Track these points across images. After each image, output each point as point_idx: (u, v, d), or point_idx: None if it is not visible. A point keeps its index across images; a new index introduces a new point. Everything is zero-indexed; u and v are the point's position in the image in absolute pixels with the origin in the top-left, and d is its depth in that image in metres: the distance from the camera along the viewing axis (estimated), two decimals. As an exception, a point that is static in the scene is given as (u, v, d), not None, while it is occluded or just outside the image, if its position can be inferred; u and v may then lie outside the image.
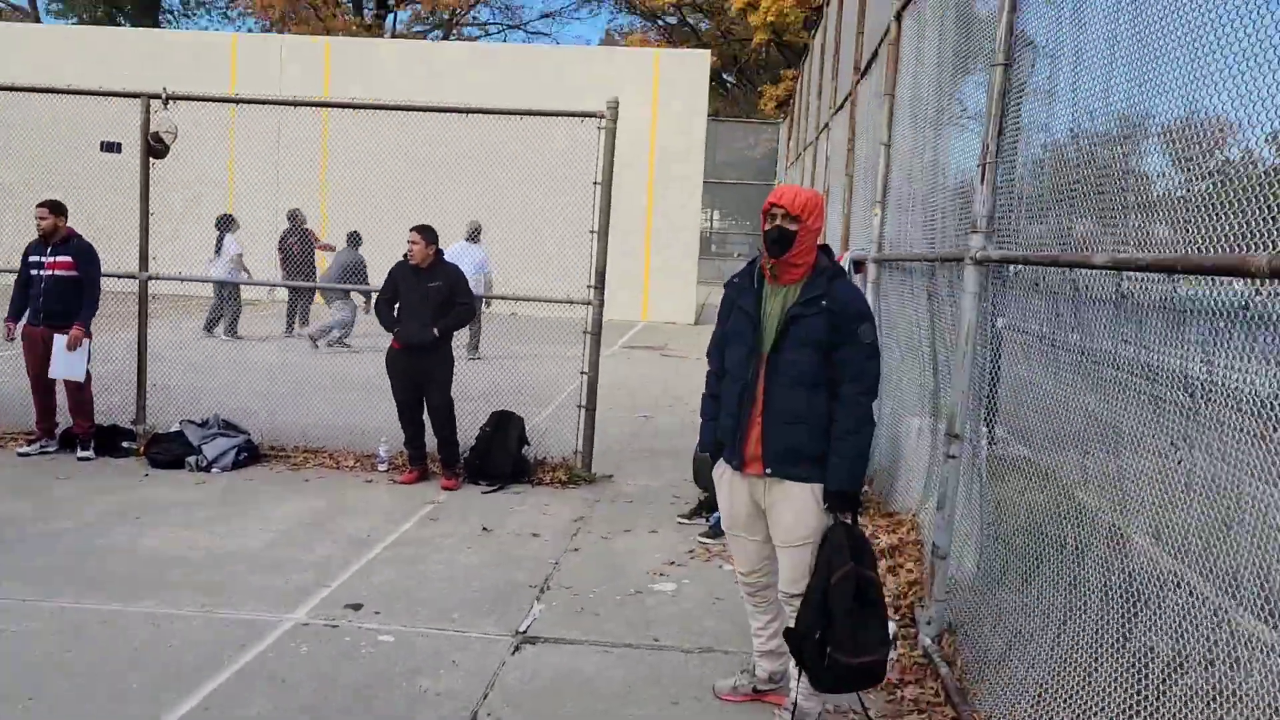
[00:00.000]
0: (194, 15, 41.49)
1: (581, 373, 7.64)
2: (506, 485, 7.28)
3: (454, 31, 38.87)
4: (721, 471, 3.91)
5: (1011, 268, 4.26)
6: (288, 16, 34.08)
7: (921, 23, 6.70)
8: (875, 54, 8.49)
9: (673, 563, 5.78)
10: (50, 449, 7.61)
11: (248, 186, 17.83)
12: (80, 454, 7.42)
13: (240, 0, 37.46)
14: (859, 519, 3.73)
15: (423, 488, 7.15)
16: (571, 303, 7.57)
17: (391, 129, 9.08)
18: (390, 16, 37.90)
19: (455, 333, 7.26)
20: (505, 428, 7.53)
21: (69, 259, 7.31)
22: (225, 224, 14.09)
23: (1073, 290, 3.57)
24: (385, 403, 7.30)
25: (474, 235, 13.19)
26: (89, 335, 7.40)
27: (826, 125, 13.95)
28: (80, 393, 7.39)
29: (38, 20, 37.59)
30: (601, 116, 7.36)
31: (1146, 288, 2.94)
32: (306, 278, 13.72)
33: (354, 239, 13.68)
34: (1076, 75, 3.71)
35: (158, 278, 7.87)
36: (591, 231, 7.44)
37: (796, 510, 3.68)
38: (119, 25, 36.34)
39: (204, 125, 8.98)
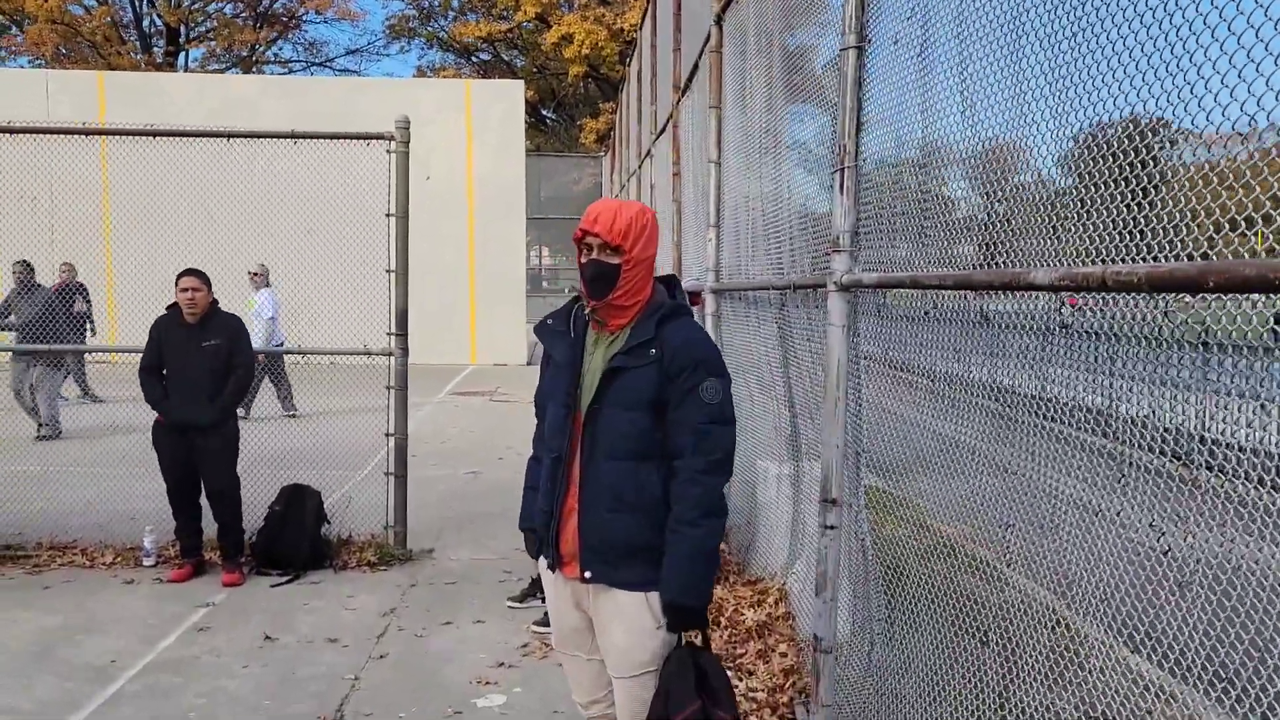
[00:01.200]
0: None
1: (387, 434, 6.58)
2: (302, 574, 6.12)
3: (254, 70, 36.76)
4: (544, 567, 3.01)
5: (873, 291, 3.54)
6: (60, 54, 31.32)
7: (744, 22, 6.05)
8: (696, 66, 7.84)
9: (503, 663, 4.80)
10: None
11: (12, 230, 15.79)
12: None
13: (6, 39, 34.24)
14: (708, 638, 2.87)
15: (198, 585, 5.91)
16: (370, 354, 6.51)
17: (161, 161, 7.83)
18: (182, 55, 35.49)
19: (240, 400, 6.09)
20: (299, 504, 6.38)
21: None
22: None
23: (924, 311, 3.07)
24: (152, 480, 6.03)
25: (260, 279, 11.91)
26: None
27: (649, 152, 13.35)
28: None
29: None
30: (390, 139, 6.38)
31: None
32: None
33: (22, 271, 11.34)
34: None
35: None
36: (389, 270, 6.42)
37: (628, 627, 2.80)
38: None
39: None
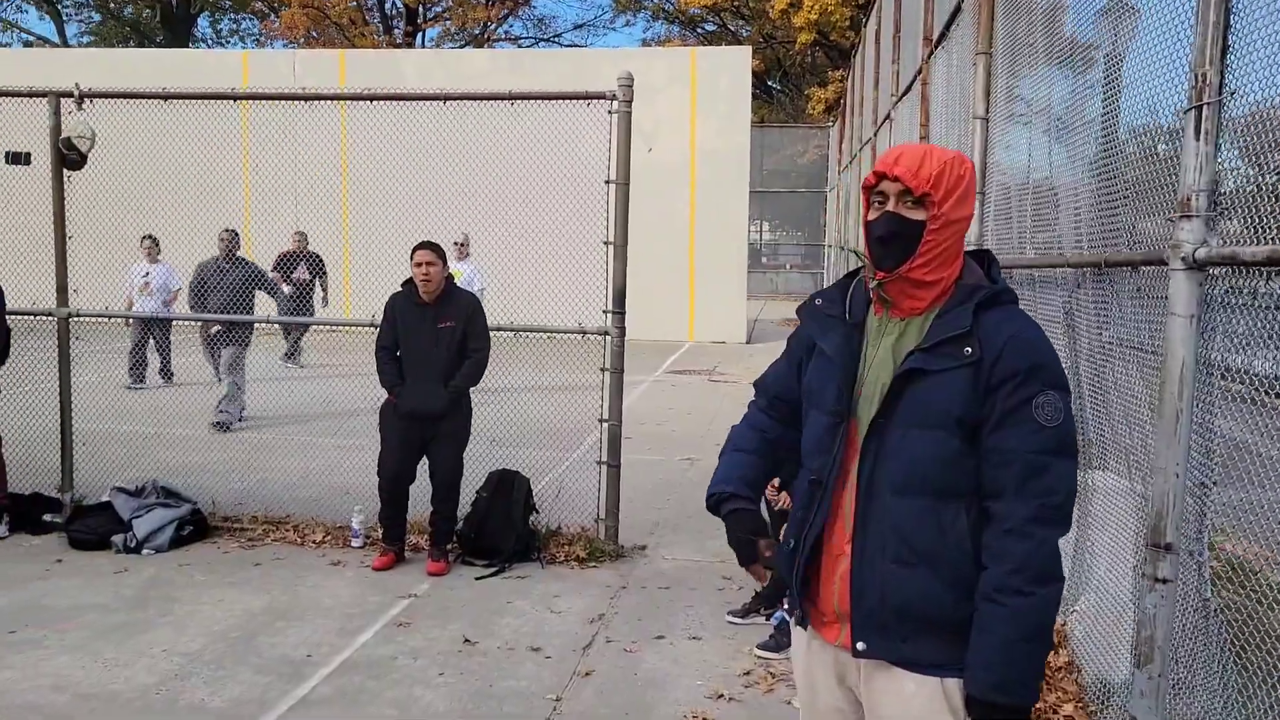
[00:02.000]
0: (226, 43, 40.84)
1: (601, 420, 6.07)
2: (508, 566, 5.72)
3: (486, 46, 37.73)
4: (791, 620, 2.33)
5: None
6: (310, 36, 33.12)
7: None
8: (958, 9, 6.85)
9: (721, 695, 4.17)
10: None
11: (263, 195, 16.61)
12: None
13: (266, 24, 36.63)
14: None
15: (402, 573, 5.62)
16: (584, 333, 6.01)
17: (390, 128, 7.70)
18: (419, 35, 36.84)
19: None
20: (507, 492, 5.99)
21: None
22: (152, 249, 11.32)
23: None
24: (363, 453, 5.78)
25: (464, 250, 11.45)
26: None
27: (888, 116, 12.30)
28: None
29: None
30: (612, 98, 5.81)
31: None
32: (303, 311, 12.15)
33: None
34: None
35: (81, 315, 6.45)
36: (606, 243, 5.88)
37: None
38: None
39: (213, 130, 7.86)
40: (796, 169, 35.42)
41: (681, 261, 18.35)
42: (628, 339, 6.09)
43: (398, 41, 35.28)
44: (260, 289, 9.59)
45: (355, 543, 6.04)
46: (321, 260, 12.72)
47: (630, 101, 5.84)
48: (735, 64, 18.85)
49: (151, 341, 11.33)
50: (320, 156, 14.52)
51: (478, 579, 5.54)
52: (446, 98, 6.04)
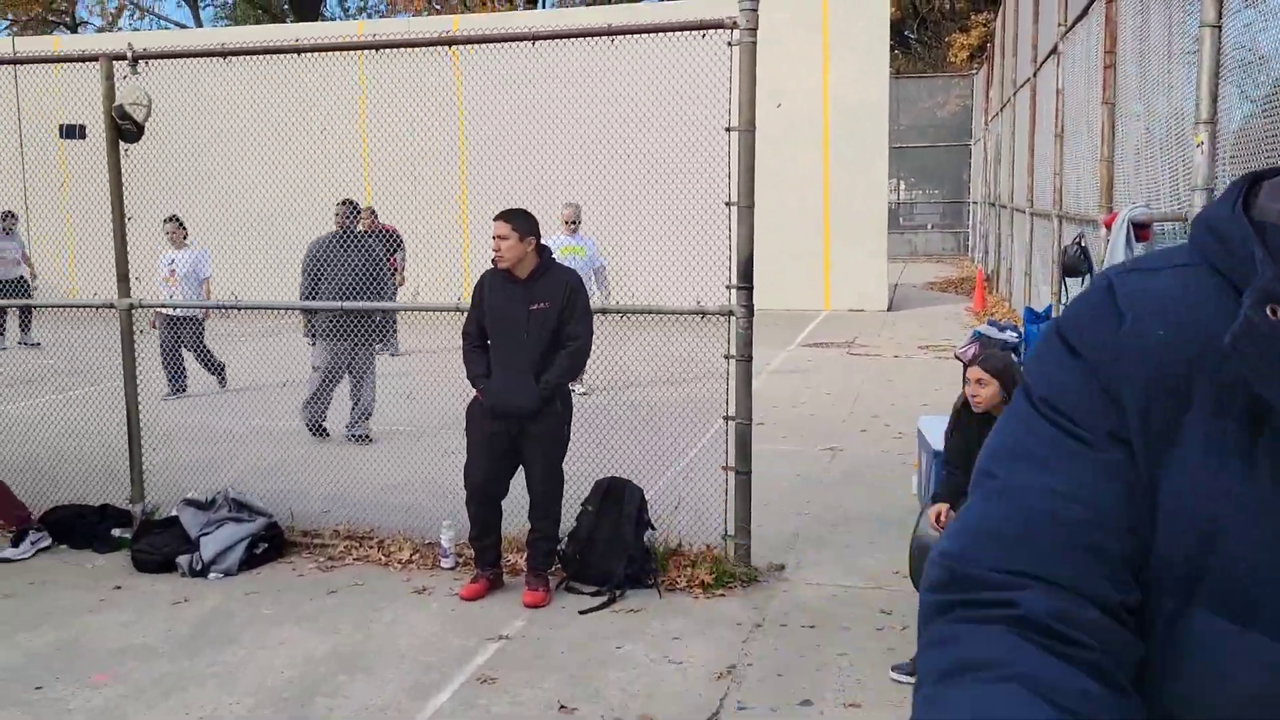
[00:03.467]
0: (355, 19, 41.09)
1: (726, 418, 5.05)
2: (619, 594, 4.80)
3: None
4: None
5: None
6: (434, 9, 32.82)
7: None
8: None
9: (889, 802, 3.15)
10: (45, 543, 5.65)
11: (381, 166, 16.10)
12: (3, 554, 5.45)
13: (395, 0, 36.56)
14: None
15: (495, 604, 4.76)
16: (704, 314, 4.99)
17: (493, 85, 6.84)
18: (540, 0, 36.14)
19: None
20: (617, 504, 5.05)
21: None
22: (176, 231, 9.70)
23: None
24: (462, 458, 4.92)
25: (574, 223, 9.32)
26: None
27: (1055, 49, 10.76)
28: None
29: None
30: (734, 26, 4.74)
31: None
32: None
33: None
34: None
35: (145, 305, 5.81)
36: (729, 203, 4.84)
37: None
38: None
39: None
40: (936, 122, 33.27)
41: (815, 224, 17.05)
42: (757, 310, 5.06)
43: (518, 7, 34.70)
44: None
45: (445, 563, 5.23)
46: (399, 237, 11.45)
47: (755, 29, 4.77)
48: (872, 5, 17.32)
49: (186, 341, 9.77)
50: (430, 119, 13.83)
51: (582, 613, 4.63)
52: (535, 37, 5.09)
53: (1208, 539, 0.87)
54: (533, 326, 4.66)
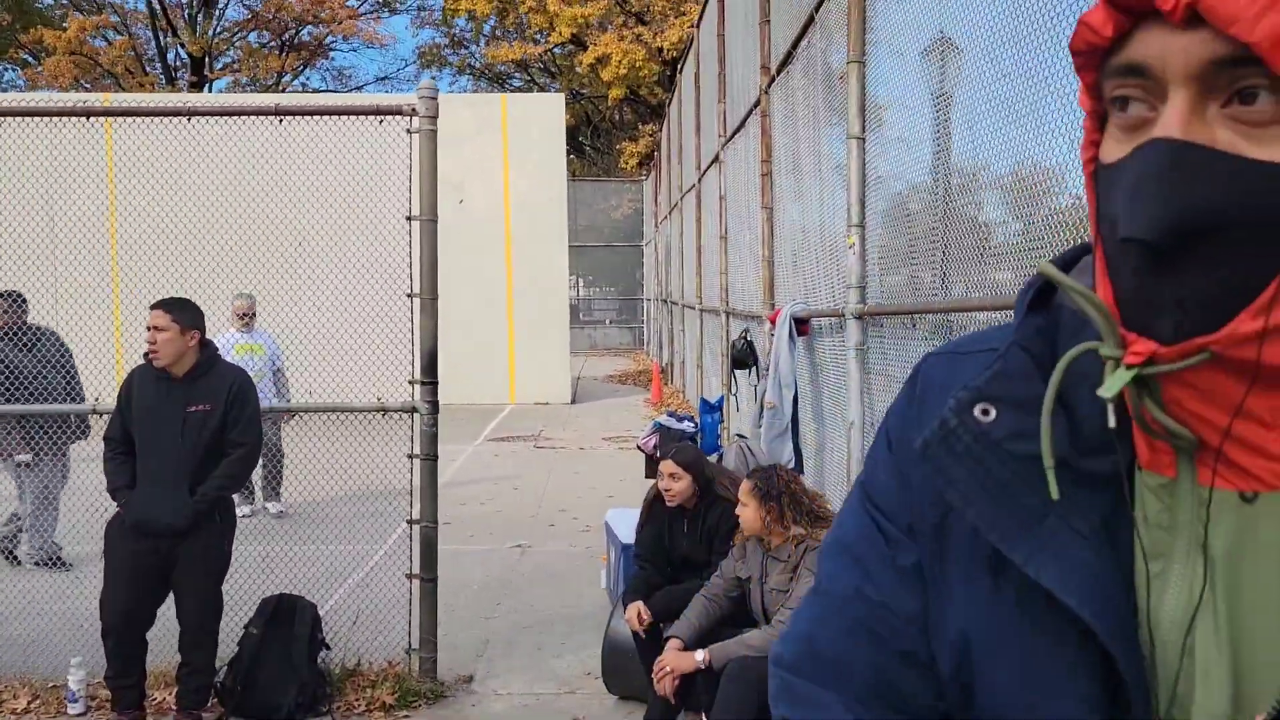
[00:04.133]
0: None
1: (410, 521, 4.73)
2: (290, 727, 4.28)
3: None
4: None
5: None
6: (80, 85, 30.17)
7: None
8: (810, 21, 6.00)
9: None
10: None
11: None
12: None
13: (29, 71, 33.19)
14: None
15: (136, 752, 4.07)
16: (386, 410, 4.69)
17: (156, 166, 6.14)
18: (207, 86, 34.30)
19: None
20: (287, 625, 4.54)
21: None
22: None
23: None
24: (96, 582, 4.21)
25: (249, 317, 8.21)
26: None
27: (716, 157, 11.56)
28: None
29: None
30: (412, 113, 4.59)
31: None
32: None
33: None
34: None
35: None
36: (411, 295, 4.62)
37: None
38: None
39: None
40: (611, 223, 34.89)
41: (500, 318, 17.09)
42: (444, 402, 4.83)
43: (181, 89, 32.72)
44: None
45: (73, 709, 4.43)
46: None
47: (435, 117, 4.63)
48: (548, 111, 17.92)
49: None
50: (77, 199, 12.51)
51: (244, 753, 4.07)
52: (193, 113, 4.66)
53: (963, 655, 0.76)
54: (189, 431, 4.14)
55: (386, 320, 5.00)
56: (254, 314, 8.22)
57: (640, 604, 4.09)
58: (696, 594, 3.89)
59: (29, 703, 4.49)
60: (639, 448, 9.34)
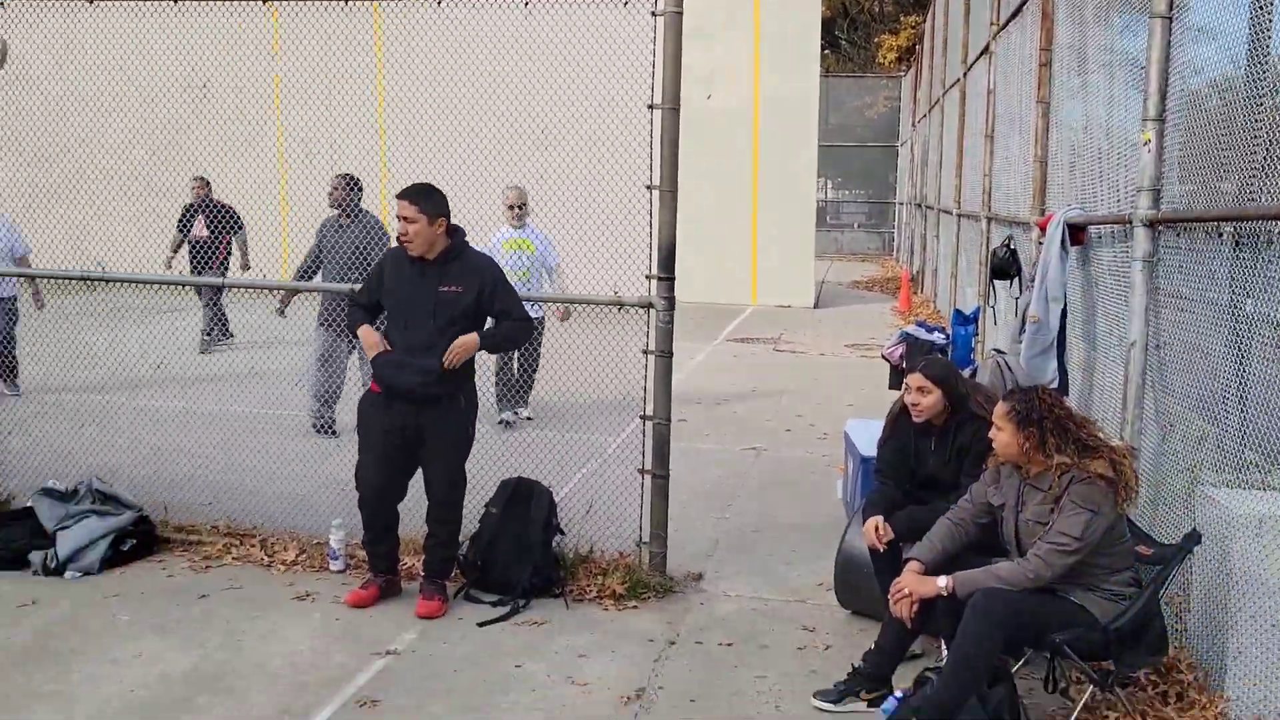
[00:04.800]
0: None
1: (643, 417, 4.70)
2: (523, 604, 4.40)
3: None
4: None
5: None
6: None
7: None
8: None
9: None
10: None
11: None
12: None
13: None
14: None
15: (383, 614, 4.32)
16: (622, 305, 4.62)
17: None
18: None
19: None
20: (524, 507, 4.66)
21: None
22: None
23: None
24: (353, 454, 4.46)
25: (520, 209, 7.53)
26: None
27: (986, 49, 10.62)
28: None
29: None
30: (661, -6, 4.37)
31: None
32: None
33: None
34: None
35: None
36: (650, 187, 4.48)
37: None
38: None
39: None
40: (864, 123, 33.42)
41: (744, 219, 16.81)
42: (682, 300, 4.71)
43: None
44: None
45: (334, 565, 4.77)
46: (233, 214, 10.46)
47: (681, 7, 4.38)
48: (803, 2, 17.12)
49: None
50: (348, 84, 13.13)
51: (481, 625, 4.22)
52: (447, -3, 4.65)
53: None
54: (440, 311, 4.23)
55: (626, 212, 4.89)
56: (525, 205, 7.51)
57: (880, 520, 3.87)
58: (941, 516, 3.62)
59: (296, 555, 4.86)
60: (884, 357, 8.94)
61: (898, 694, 3.46)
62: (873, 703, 3.55)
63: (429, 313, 4.22)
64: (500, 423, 7.37)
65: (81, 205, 9.03)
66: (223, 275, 10.03)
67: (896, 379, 9.21)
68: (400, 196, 4.22)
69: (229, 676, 3.70)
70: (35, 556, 4.65)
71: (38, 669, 3.71)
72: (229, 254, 10.43)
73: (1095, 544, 3.25)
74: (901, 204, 27.55)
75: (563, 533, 4.73)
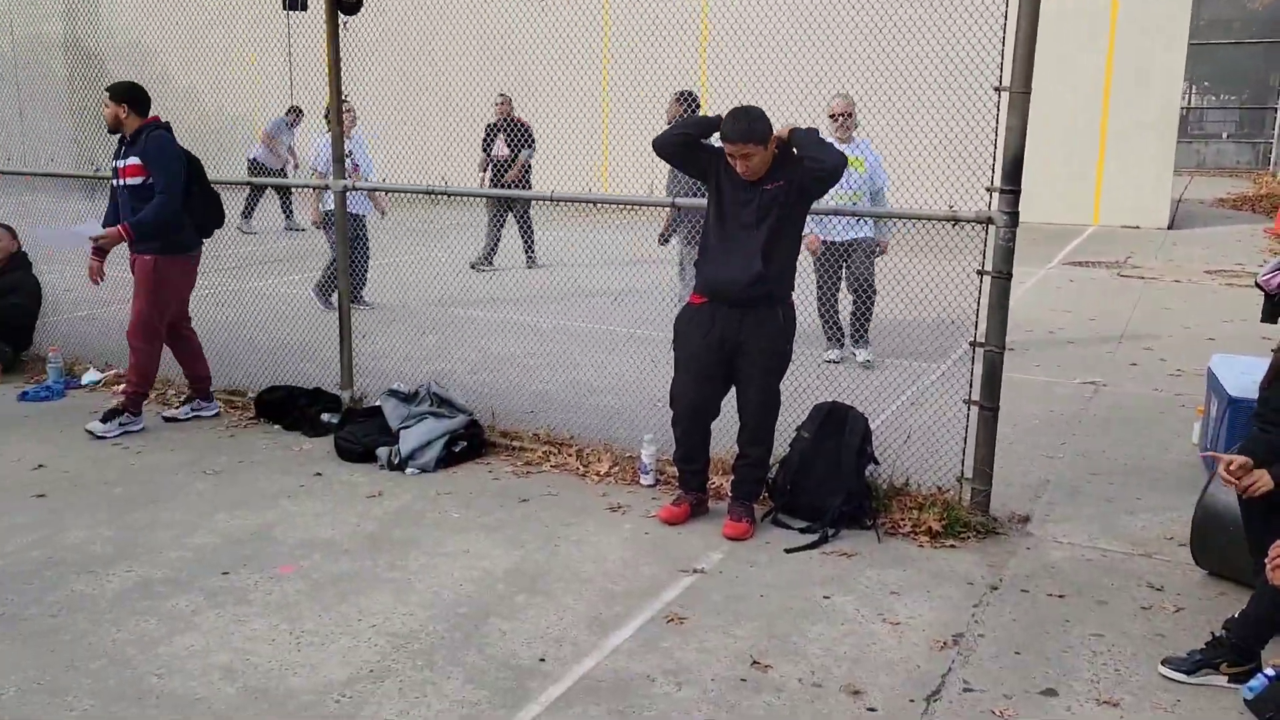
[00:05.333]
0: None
1: (973, 344, 4.32)
2: (832, 533, 4.25)
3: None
4: None
5: None
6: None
7: None
8: None
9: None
10: (207, 413, 5.78)
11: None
12: (102, 428, 5.47)
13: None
14: None
15: (691, 531, 4.32)
16: (958, 220, 4.24)
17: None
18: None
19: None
20: (837, 432, 4.46)
21: (136, 162, 5.28)
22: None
23: None
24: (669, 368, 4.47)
25: (848, 119, 6.70)
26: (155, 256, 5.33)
27: None
28: (136, 332, 5.42)
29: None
30: None
31: None
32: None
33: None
34: None
35: (361, 188, 5.64)
36: (999, 88, 4.03)
37: None
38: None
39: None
40: (1245, 15, 29.25)
41: (1091, 126, 15.25)
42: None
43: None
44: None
45: (645, 479, 4.84)
46: (529, 131, 10.85)
47: None
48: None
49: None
50: None
51: (788, 551, 4.11)
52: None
53: None
54: (764, 206, 4.07)
55: (966, 117, 4.46)
56: (852, 116, 6.74)
57: (1247, 460, 3.32)
58: (1342, 475, 3.03)
59: (609, 468, 4.97)
60: (1258, 285, 7.75)
61: (1269, 671, 2.98)
62: (1235, 678, 3.08)
63: (754, 212, 4.07)
64: (828, 363, 6.69)
65: (434, 133, 9.75)
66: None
67: (1272, 311, 8.00)
68: (732, 137, 4.00)
69: (545, 578, 3.84)
70: (382, 452, 5.07)
71: (381, 555, 4.04)
72: (526, 171, 10.82)
73: None
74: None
75: (877, 462, 4.50)
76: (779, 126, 4.06)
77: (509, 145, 10.59)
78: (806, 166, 4.03)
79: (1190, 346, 7.66)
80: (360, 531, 4.27)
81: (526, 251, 10.99)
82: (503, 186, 10.30)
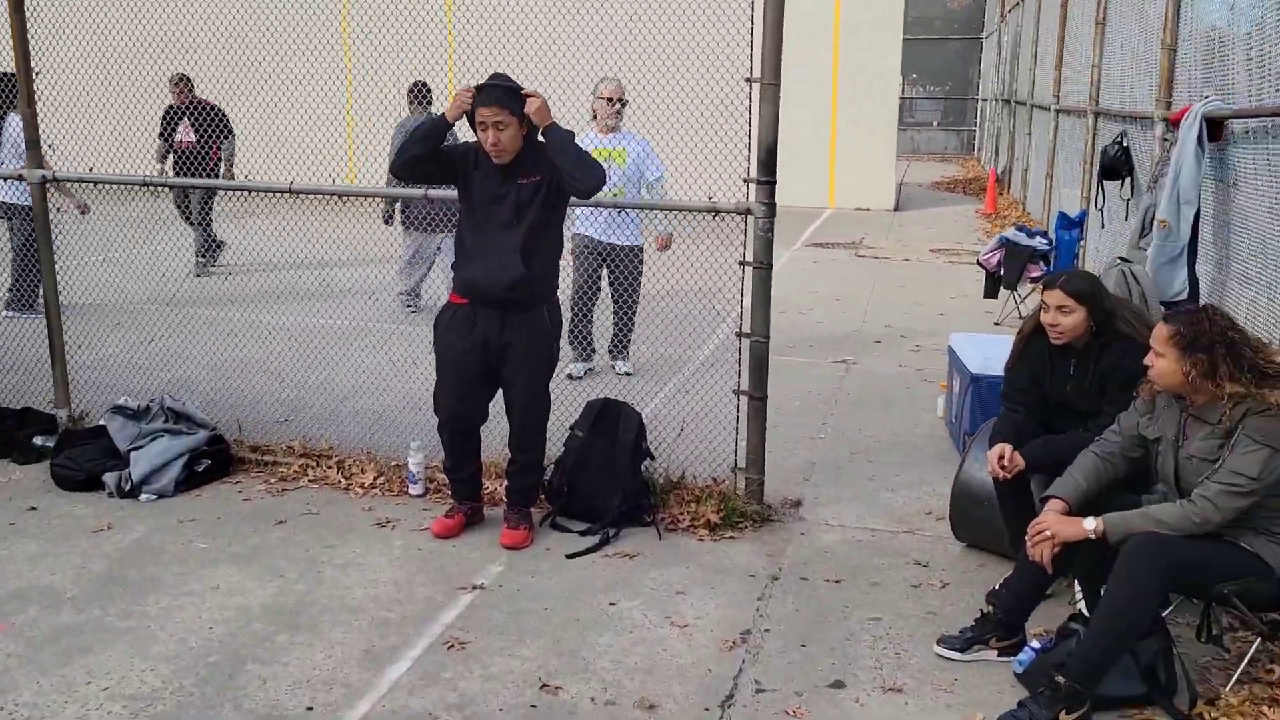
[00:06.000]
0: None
1: (739, 334, 4.34)
2: (613, 534, 4.14)
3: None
4: None
5: None
6: None
7: None
8: None
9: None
10: None
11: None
12: None
13: None
14: None
15: (467, 544, 4.09)
16: (717, 212, 4.23)
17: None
18: None
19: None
20: (611, 430, 4.36)
21: None
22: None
23: None
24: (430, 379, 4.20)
25: (616, 104, 6.10)
26: None
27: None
28: None
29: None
30: None
31: None
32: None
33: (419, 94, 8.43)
34: None
35: (61, 179, 4.98)
36: (750, 80, 4.03)
37: None
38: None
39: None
40: (945, 14, 31.85)
41: (823, 116, 16.06)
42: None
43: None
44: None
45: (414, 489, 4.55)
46: (223, 117, 9.59)
47: None
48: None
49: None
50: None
51: (570, 557, 3.97)
52: None
53: None
54: (522, 203, 3.85)
55: (720, 111, 4.46)
56: (622, 102, 6.11)
57: (1008, 448, 3.50)
58: (1085, 449, 3.23)
59: (374, 479, 4.65)
60: (979, 263, 8.43)
61: (1034, 644, 3.14)
62: (1004, 652, 3.23)
63: (511, 209, 3.85)
64: (569, 377, 5.97)
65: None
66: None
67: (993, 286, 8.68)
68: (484, 103, 3.76)
69: (308, 611, 3.50)
70: (110, 478, 4.50)
71: (113, 601, 3.55)
72: (219, 162, 9.54)
73: (1272, 484, 2.86)
74: (985, 100, 26.29)
75: (653, 457, 4.44)
76: (537, 105, 3.80)
77: (196, 131, 9.30)
78: (563, 179, 3.84)
79: (924, 322, 8.17)
80: (87, 574, 3.75)
81: (197, 255, 9.57)
82: (198, 175, 9.11)
